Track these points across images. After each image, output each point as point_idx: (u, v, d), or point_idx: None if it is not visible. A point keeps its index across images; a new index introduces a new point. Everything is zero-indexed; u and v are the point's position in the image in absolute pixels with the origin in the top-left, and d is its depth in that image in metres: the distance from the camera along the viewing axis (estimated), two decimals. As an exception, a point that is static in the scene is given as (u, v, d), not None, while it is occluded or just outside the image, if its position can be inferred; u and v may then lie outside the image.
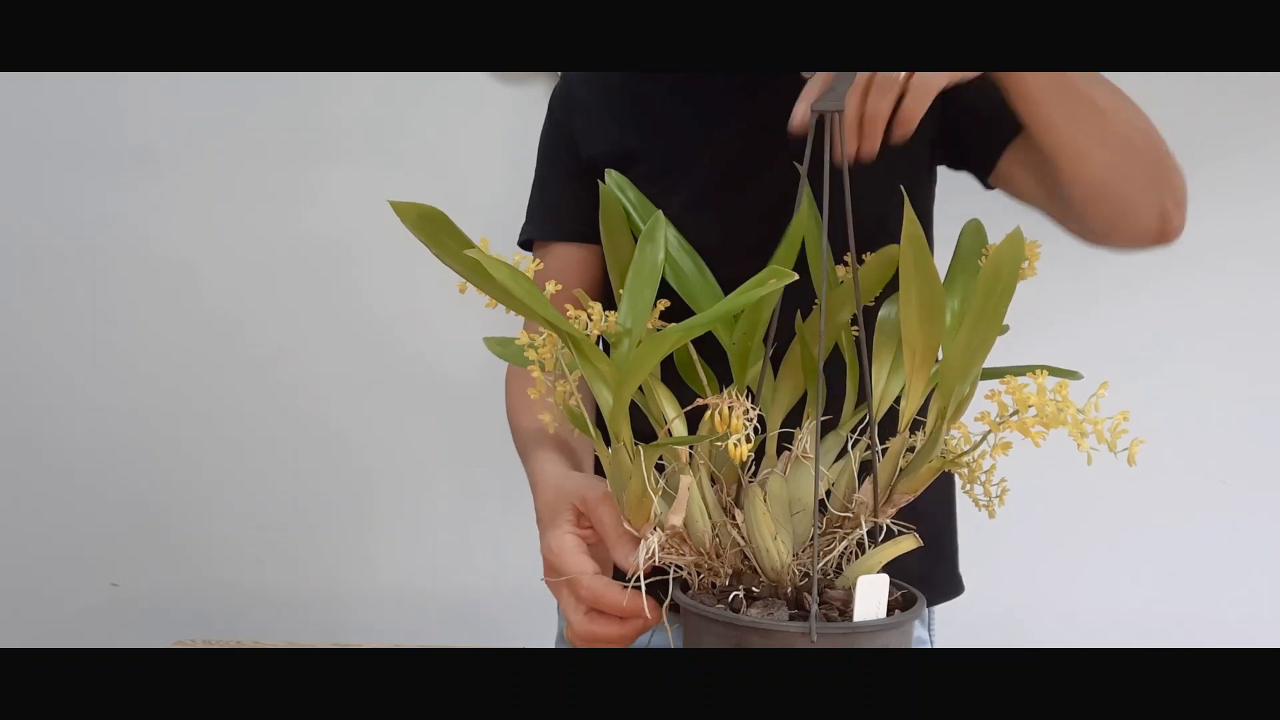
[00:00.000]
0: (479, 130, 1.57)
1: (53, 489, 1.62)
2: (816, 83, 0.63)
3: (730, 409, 0.56)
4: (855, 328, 0.65)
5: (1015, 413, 0.56)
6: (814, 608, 0.55)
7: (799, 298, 0.66)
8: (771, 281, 0.55)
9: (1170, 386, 1.57)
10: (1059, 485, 1.47)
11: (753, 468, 0.67)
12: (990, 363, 0.65)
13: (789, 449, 0.64)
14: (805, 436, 0.63)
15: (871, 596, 0.56)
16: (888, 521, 0.64)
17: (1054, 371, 0.59)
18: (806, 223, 0.66)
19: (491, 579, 1.64)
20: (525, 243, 1.00)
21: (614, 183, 0.76)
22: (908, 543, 0.62)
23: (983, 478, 0.63)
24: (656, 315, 0.71)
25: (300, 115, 1.56)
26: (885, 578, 0.57)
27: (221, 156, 1.56)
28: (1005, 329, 0.66)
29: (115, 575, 1.64)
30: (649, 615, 0.62)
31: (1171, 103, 1.56)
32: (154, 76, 1.53)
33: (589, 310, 0.67)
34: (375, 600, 1.66)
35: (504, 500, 1.62)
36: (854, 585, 0.56)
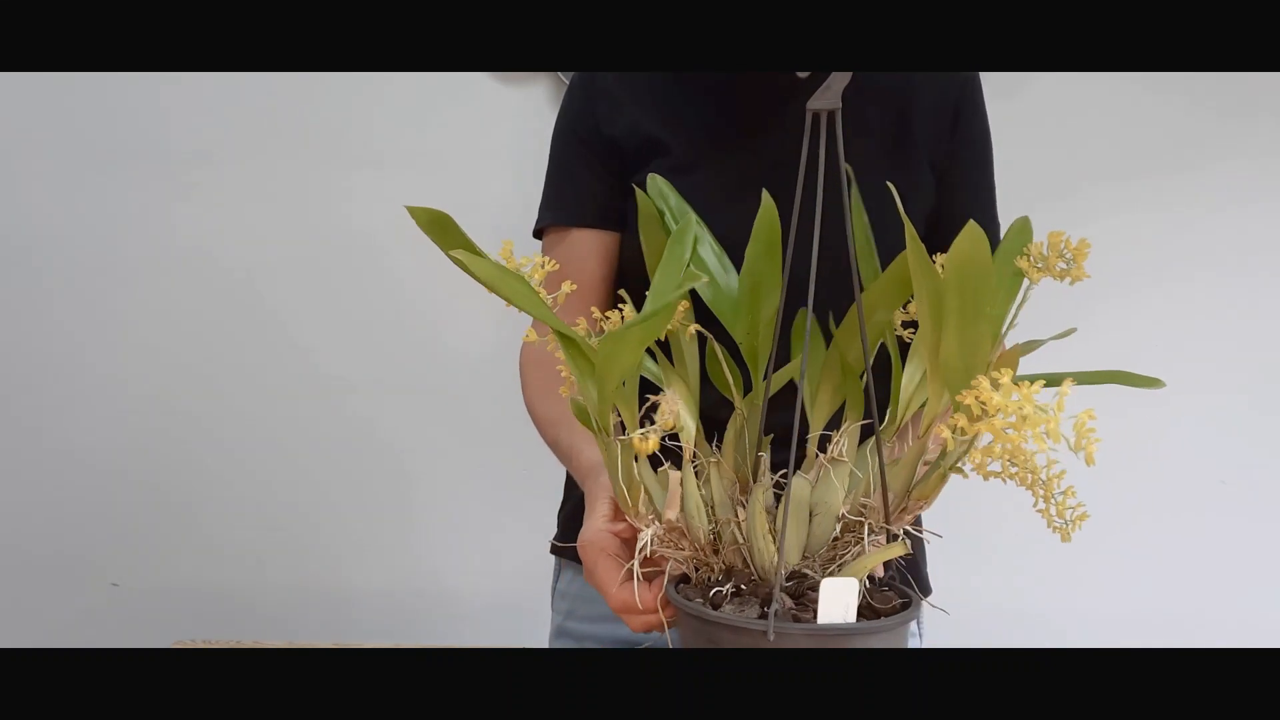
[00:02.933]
0: (485, 131, 1.57)
1: (53, 488, 1.62)
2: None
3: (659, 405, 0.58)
4: (878, 342, 0.65)
5: (984, 414, 0.54)
6: (774, 606, 0.55)
7: (837, 298, 0.66)
8: (686, 286, 0.57)
9: (1171, 387, 1.57)
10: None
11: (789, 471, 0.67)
12: (1046, 366, 0.64)
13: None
14: (842, 439, 0.63)
15: (837, 600, 0.55)
16: (904, 528, 0.63)
17: (1130, 379, 0.58)
18: (856, 226, 0.67)
19: (490, 579, 1.65)
20: (539, 230, 0.98)
21: (655, 190, 0.76)
22: (895, 550, 0.61)
23: (1057, 498, 0.57)
24: (679, 315, 0.71)
25: (303, 116, 1.56)
26: (854, 582, 0.56)
27: (233, 156, 1.56)
28: (1003, 339, 0.66)
29: (115, 575, 1.64)
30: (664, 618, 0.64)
31: (1172, 103, 1.57)
32: (179, 77, 1.53)
33: (621, 310, 0.68)
34: (375, 600, 1.66)
35: (503, 501, 1.62)
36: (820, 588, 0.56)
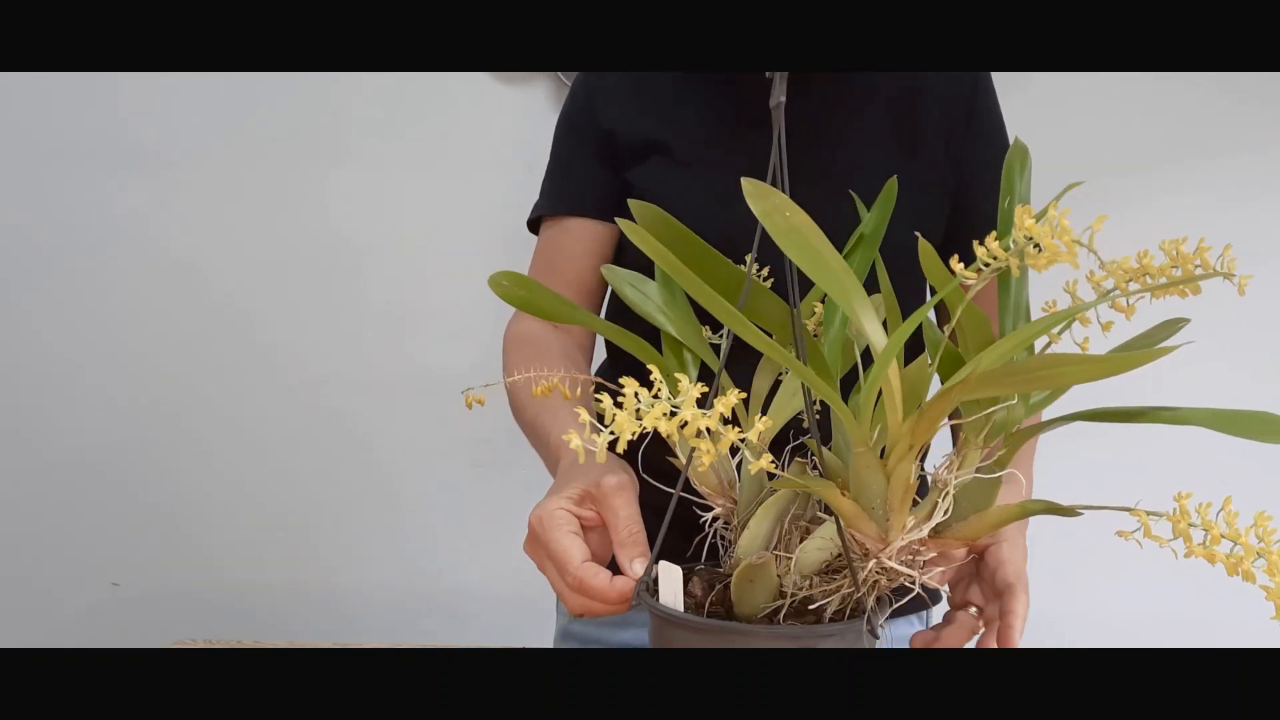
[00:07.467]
0: (485, 131, 1.57)
1: (53, 488, 1.62)
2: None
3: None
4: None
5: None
6: (645, 579, 0.60)
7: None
8: None
9: (1177, 387, 1.57)
10: (1056, 484, 1.47)
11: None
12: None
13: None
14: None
15: (669, 585, 0.58)
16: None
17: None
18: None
19: (491, 579, 1.65)
20: (535, 221, 0.98)
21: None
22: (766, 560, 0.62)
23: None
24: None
25: (305, 116, 1.56)
26: (678, 570, 0.58)
27: (228, 156, 1.56)
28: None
29: (115, 575, 1.64)
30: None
31: (1174, 102, 1.57)
32: (158, 77, 1.53)
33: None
34: (375, 600, 1.66)
35: (503, 500, 1.61)
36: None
